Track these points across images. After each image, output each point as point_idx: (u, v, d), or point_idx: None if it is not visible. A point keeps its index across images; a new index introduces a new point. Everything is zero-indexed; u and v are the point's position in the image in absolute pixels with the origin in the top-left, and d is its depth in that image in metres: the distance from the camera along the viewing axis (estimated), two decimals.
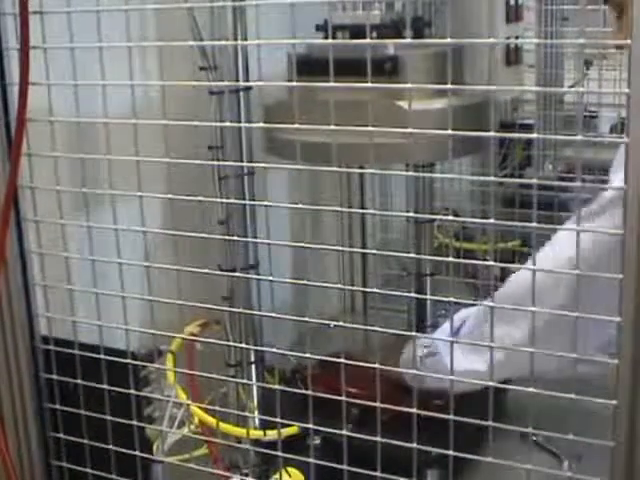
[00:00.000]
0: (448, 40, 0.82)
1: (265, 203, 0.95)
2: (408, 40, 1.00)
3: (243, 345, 1.32)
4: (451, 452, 0.89)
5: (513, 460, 0.86)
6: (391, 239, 2.06)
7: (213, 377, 1.18)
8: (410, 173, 1.05)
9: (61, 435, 1.15)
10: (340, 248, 1.54)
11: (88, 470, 1.14)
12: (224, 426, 1.19)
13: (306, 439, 1.16)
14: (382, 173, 1.43)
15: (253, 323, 1.32)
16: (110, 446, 1.10)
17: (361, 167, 1.22)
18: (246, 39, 1.21)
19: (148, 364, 1.11)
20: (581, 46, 0.76)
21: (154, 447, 1.15)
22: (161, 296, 1.03)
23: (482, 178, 0.88)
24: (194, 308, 1.07)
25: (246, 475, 1.25)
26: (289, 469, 1.15)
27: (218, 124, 1.24)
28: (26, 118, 0.97)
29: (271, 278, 1.00)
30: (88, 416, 1.11)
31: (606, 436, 0.79)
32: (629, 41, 0.70)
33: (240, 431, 1.21)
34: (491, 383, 0.88)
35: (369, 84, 0.86)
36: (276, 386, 1.01)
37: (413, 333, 0.98)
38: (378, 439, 0.92)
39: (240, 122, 1.25)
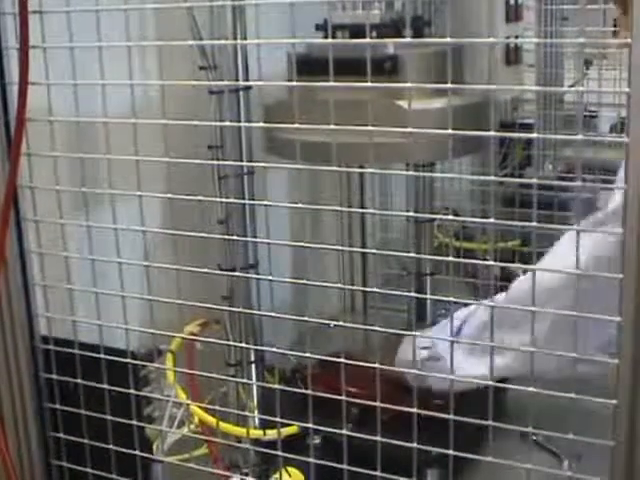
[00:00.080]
0: (448, 39, 0.82)
1: (265, 203, 0.95)
2: (408, 39, 0.99)
3: (243, 345, 1.32)
4: (451, 452, 0.89)
5: (513, 460, 0.86)
6: (391, 238, 2.06)
7: (213, 377, 1.18)
8: (410, 173, 1.05)
9: (61, 435, 1.15)
10: (340, 248, 1.54)
11: (88, 470, 1.14)
12: (224, 426, 1.19)
13: (306, 439, 1.16)
14: (382, 173, 1.43)
15: (253, 322, 1.32)
16: (110, 446, 1.10)
17: (361, 167, 1.22)
18: (246, 38, 1.21)
19: (148, 364, 1.11)
20: (581, 46, 0.76)
21: (154, 447, 1.15)
22: (161, 296, 1.03)
23: (482, 178, 0.88)
24: (194, 307, 1.07)
25: (246, 475, 1.25)
26: (289, 469, 1.15)
27: (218, 124, 1.24)
28: (25, 118, 0.96)
29: (271, 277, 1.00)
30: (88, 416, 1.11)
31: (606, 436, 0.79)
32: (629, 40, 0.69)
33: (240, 431, 1.21)
34: (491, 383, 0.88)
35: (369, 84, 0.86)
36: (276, 386, 1.01)
37: (414, 333, 0.98)
38: (378, 439, 0.92)
39: (240, 122, 1.25)
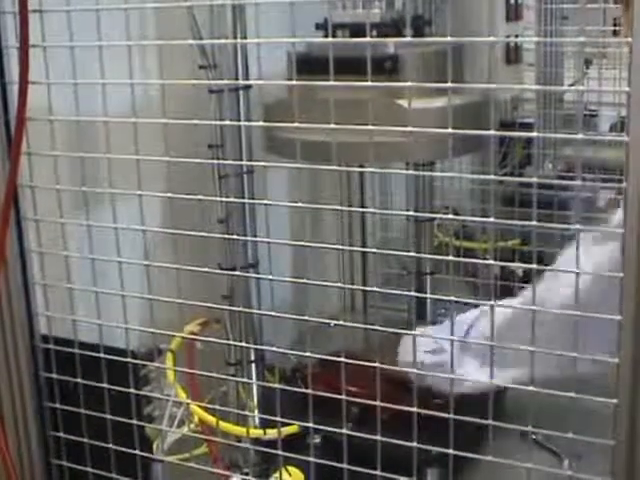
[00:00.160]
0: (448, 39, 0.82)
1: (265, 202, 0.95)
2: (408, 39, 0.99)
3: (243, 344, 1.32)
4: (451, 451, 0.89)
5: (513, 459, 0.86)
6: (391, 238, 2.06)
7: (213, 376, 1.18)
8: (410, 172, 1.05)
9: (61, 434, 1.15)
10: (340, 247, 1.54)
11: (88, 469, 1.14)
12: (224, 425, 1.19)
13: (306, 438, 1.16)
14: (382, 172, 1.43)
15: (253, 322, 1.32)
16: (110, 445, 1.10)
17: (361, 166, 1.22)
18: (246, 38, 1.22)
19: (148, 363, 1.11)
20: (581, 45, 0.76)
21: (154, 446, 1.15)
22: (161, 295, 1.03)
23: (482, 177, 0.88)
24: (194, 307, 1.07)
25: (246, 474, 1.25)
26: (289, 468, 1.15)
27: (218, 123, 1.24)
28: (26, 117, 0.96)
29: (271, 277, 1.00)
30: (88, 415, 1.11)
31: (606, 435, 0.79)
32: (630, 39, 0.69)
33: (240, 430, 1.21)
34: (487, 380, 0.88)
35: (369, 83, 0.86)
36: (276, 385, 1.01)
37: (414, 332, 0.97)
38: (378, 438, 0.92)
39: (240, 121, 1.25)
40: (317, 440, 1.16)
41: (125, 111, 1.00)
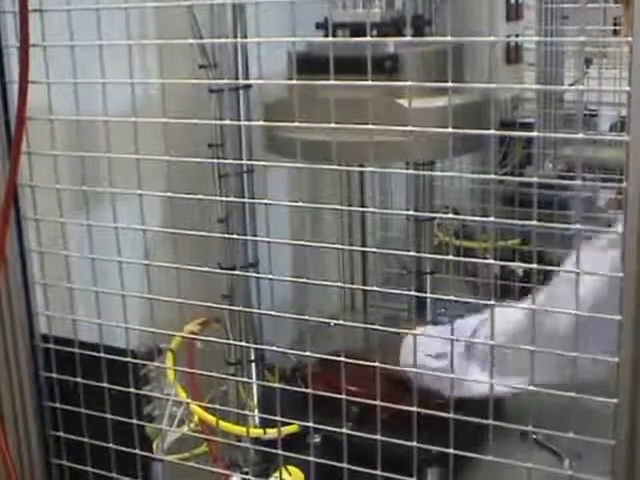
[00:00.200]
0: (448, 38, 0.82)
1: (265, 201, 0.95)
2: (408, 38, 0.99)
3: (243, 343, 1.32)
4: (451, 450, 0.89)
5: (513, 459, 0.86)
6: (391, 237, 2.06)
7: (213, 375, 1.18)
8: (410, 171, 1.05)
9: (61, 433, 1.15)
10: (340, 246, 1.54)
11: (88, 468, 1.14)
12: (224, 424, 1.19)
13: (306, 437, 1.16)
14: (382, 171, 1.43)
15: (253, 321, 1.32)
16: (110, 444, 1.10)
17: (361, 165, 1.22)
18: (246, 37, 1.22)
19: (148, 362, 1.11)
20: (581, 44, 0.76)
21: (154, 445, 1.15)
22: (161, 294, 1.03)
23: (482, 176, 0.88)
24: (194, 306, 1.07)
25: (246, 473, 1.25)
26: (289, 467, 1.15)
27: (218, 122, 1.24)
28: (26, 116, 0.96)
29: (271, 276, 1.00)
30: (88, 414, 1.11)
31: (607, 434, 0.79)
32: (630, 38, 0.69)
33: (240, 429, 1.21)
34: (492, 381, 0.88)
35: (369, 82, 0.86)
36: (276, 384, 1.01)
37: (414, 332, 0.97)
38: (378, 437, 0.92)
39: (240, 120, 1.25)
40: (317, 440, 1.16)
41: (125, 110, 1.00)
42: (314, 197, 1.72)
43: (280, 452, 1.03)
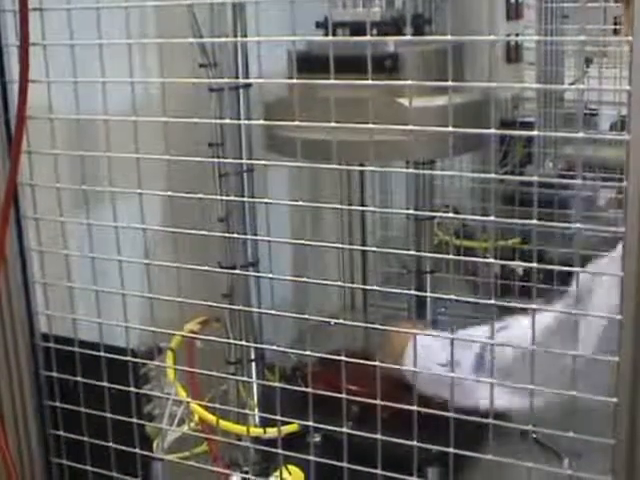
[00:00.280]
0: (448, 37, 0.81)
1: (265, 200, 0.95)
2: (408, 37, 0.99)
3: (243, 343, 1.32)
4: (451, 450, 0.89)
5: (513, 458, 0.86)
6: (391, 236, 2.06)
7: (213, 375, 1.18)
8: (410, 170, 1.05)
9: (61, 433, 1.15)
10: (340, 245, 1.54)
11: (88, 467, 1.14)
12: (224, 424, 1.19)
13: (306, 437, 1.16)
14: (382, 170, 1.43)
15: (253, 320, 1.32)
16: (110, 444, 1.10)
17: (361, 164, 1.22)
18: (246, 36, 1.22)
19: (148, 361, 1.11)
20: (581, 43, 0.76)
21: (154, 445, 1.15)
22: (161, 293, 1.03)
23: (482, 175, 0.88)
24: (194, 305, 1.07)
25: (246, 473, 1.25)
26: (289, 467, 1.15)
27: (218, 121, 1.24)
28: (26, 115, 0.96)
29: (271, 275, 1.00)
30: (88, 414, 1.11)
31: (606, 434, 0.79)
32: (630, 38, 0.69)
33: (240, 429, 1.21)
34: (492, 381, 0.87)
35: (369, 81, 0.86)
36: (276, 384, 1.01)
37: (415, 331, 0.97)
38: (378, 436, 0.92)
39: (240, 119, 1.25)
40: (317, 439, 1.17)
41: (125, 109, 1.00)
42: (314, 196, 1.71)
43: (280, 451, 1.03)
